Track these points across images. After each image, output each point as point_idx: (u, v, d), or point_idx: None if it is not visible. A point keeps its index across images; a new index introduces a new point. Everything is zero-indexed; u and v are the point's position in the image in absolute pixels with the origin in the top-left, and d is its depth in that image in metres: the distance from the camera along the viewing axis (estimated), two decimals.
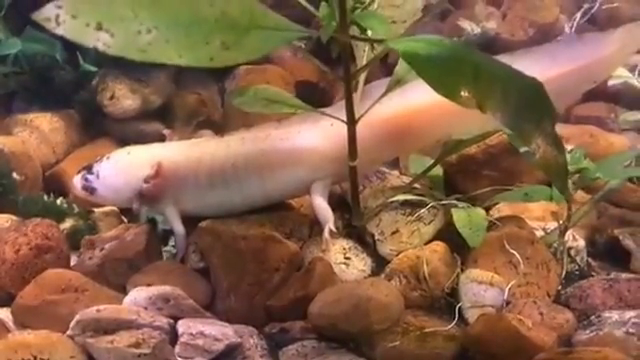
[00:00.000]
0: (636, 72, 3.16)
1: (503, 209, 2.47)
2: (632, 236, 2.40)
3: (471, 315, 2.14)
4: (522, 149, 2.27)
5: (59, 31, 1.59)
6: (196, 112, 2.91)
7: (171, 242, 2.42)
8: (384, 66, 2.85)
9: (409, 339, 2.06)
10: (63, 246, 2.28)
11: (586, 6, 3.46)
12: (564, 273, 2.30)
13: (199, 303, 2.15)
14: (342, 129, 2.18)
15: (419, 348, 2.05)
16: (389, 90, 2.23)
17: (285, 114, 2.36)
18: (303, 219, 2.37)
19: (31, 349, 1.95)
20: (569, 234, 2.35)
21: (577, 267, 2.35)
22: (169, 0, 1.72)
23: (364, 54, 2.36)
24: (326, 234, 2.27)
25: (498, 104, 1.80)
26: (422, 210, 2.32)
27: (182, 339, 2.01)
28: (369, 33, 2.09)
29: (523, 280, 2.22)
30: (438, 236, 2.29)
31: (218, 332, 2.03)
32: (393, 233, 2.31)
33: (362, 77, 2.36)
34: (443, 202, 2.34)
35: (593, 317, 2.12)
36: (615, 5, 3.44)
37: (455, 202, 2.33)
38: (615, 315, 2.09)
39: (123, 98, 2.82)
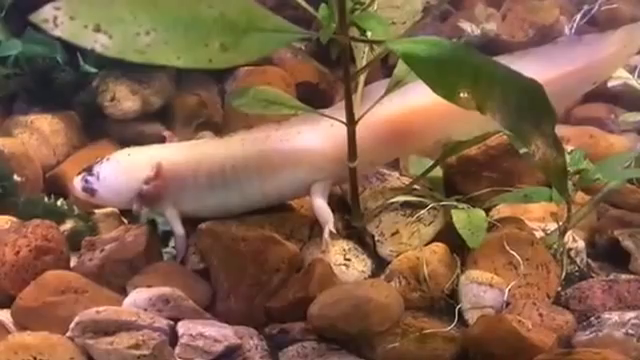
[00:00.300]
0: (636, 73, 3.16)
1: (503, 210, 2.47)
2: (632, 237, 2.40)
3: (471, 316, 2.15)
4: (522, 150, 2.27)
5: (57, 32, 1.59)
6: (196, 113, 2.92)
7: (171, 243, 2.41)
8: (384, 67, 2.85)
9: (409, 340, 2.06)
10: (63, 247, 2.28)
11: (586, 7, 3.46)
12: (564, 274, 2.30)
13: (199, 304, 2.15)
14: (342, 130, 2.18)
15: (419, 349, 2.05)
16: (389, 91, 2.23)
17: (285, 115, 2.36)
18: (303, 220, 2.37)
19: (31, 350, 1.95)
20: (569, 235, 2.35)
21: (577, 268, 2.35)
22: (168, 2, 1.72)
23: (364, 55, 2.37)
24: (326, 235, 2.27)
25: (498, 105, 1.80)
26: (422, 211, 2.32)
27: (182, 340, 2.01)
28: (369, 34, 2.10)
29: (523, 281, 2.22)
30: (438, 237, 2.29)
31: (218, 333, 2.03)
32: (393, 234, 2.31)
33: (362, 78, 2.36)
34: (443, 203, 2.35)
35: (593, 318, 2.12)
36: (615, 6, 3.44)
37: (455, 203, 2.34)
38: (615, 316, 2.08)
39: (123, 99, 2.82)
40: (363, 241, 2.34)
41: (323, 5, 2.06)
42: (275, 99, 2.30)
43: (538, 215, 2.48)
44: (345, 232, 2.36)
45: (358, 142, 2.19)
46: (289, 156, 2.32)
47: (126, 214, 2.52)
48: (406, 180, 2.48)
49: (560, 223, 2.32)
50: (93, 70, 2.81)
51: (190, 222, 2.32)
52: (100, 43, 1.61)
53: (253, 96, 2.30)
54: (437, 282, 2.17)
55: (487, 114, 1.80)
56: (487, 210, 2.36)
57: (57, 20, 1.59)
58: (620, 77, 3.12)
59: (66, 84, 2.84)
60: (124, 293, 2.18)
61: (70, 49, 2.77)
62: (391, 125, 2.34)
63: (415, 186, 2.41)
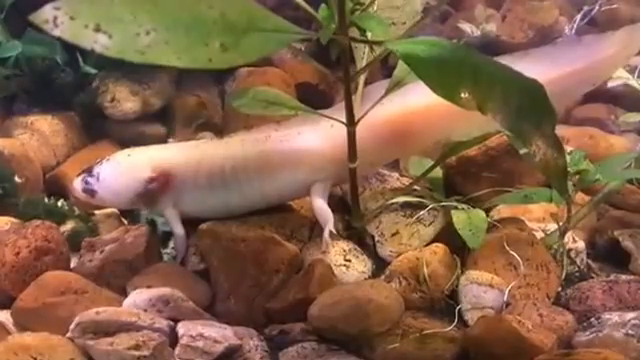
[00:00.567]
0: (636, 74, 3.17)
1: (503, 211, 2.47)
2: (632, 238, 2.41)
3: (471, 317, 2.15)
4: (522, 151, 2.27)
5: (57, 33, 1.59)
6: (196, 114, 2.92)
7: (171, 244, 2.41)
8: (384, 68, 2.85)
9: (409, 341, 2.06)
10: (63, 248, 2.28)
11: (586, 8, 3.46)
12: (564, 275, 2.31)
13: (199, 305, 2.15)
14: (342, 131, 2.18)
15: (419, 350, 2.05)
16: (388, 92, 2.22)
17: (285, 116, 2.36)
18: (303, 221, 2.37)
19: (31, 351, 1.95)
20: (569, 236, 2.35)
21: (577, 269, 2.35)
22: (168, 2, 1.71)
23: (364, 56, 2.37)
24: (326, 236, 2.27)
25: (498, 106, 1.80)
26: (422, 212, 2.33)
27: (182, 341, 2.01)
28: (368, 35, 2.10)
29: (523, 282, 2.22)
30: (438, 238, 2.29)
31: (218, 334, 2.03)
32: (393, 235, 2.31)
33: (362, 79, 2.36)
34: (443, 204, 2.35)
35: (593, 319, 2.12)
36: (615, 7, 3.44)
37: (455, 204, 2.34)
38: (615, 317, 2.08)
39: (123, 100, 2.82)
40: (363, 242, 2.34)
41: (323, 5, 2.06)
42: (275, 100, 2.30)
43: (538, 215, 2.49)
44: (345, 233, 2.36)
45: (358, 143, 2.19)
46: (289, 157, 2.31)
47: (126, 215, 2.52)
48: (406, 181, 2.48)
49: (560, 223, 2.32)
50: (93, 71, 2.82)
51: (190, 223, 2.32)
52: (100, 43, 1.60)
53: (253, 97, 2.30)
54: (437, 283, 2.17)
55: (487, 114, 1.80)
56: (487, 211, 2.36)
57: (57, 20, 1.59)
58: (620, 77, 3.12)
59: (66, 85, 2.84)
60: (124, 294, 2.18)
61: (70, 50, 2.77)
62: (391, 126, 2.34)
63: (415, 187, 2.41)
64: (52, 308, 2.11)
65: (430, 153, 2.50)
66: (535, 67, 2.22)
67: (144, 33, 1.64)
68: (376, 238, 2.32)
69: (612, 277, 2.28)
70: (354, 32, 2.07)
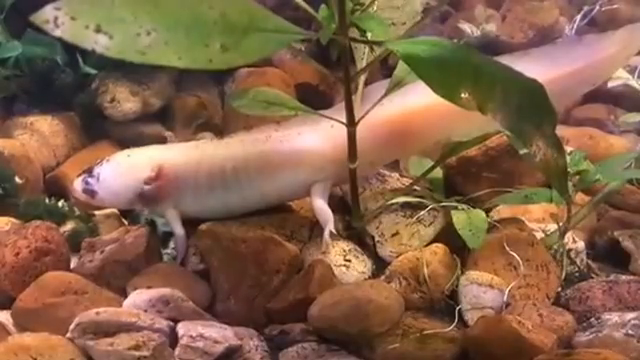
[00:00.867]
0: (636, 74, 3.17)
1: (503, 211, 2.48)
2: (632, 238, 2.41)
3: (471, 317, 2.15)
4: (522, 151, 2.27)
5: (58, 33, 1.59)
6: (196, 115, 2.92)
7: (171, 244, 2.41)
8: (384, 68, 2.85)
9: (409, 341, 2.06)
10: (63, 249, 2.28)
11: (586, 8, 3.47)
12: (564, 275, 2.31)
13: (199, 305, 2.15)
14: (342, 131, 2.18)
15: (419, 350, 2.05)
16: (389, 92, 2.22)
17: (285, 116, 2.36)
18: (303, 221, 2.37)
19: (31, 352, 1.95)
20: (569, 236, 2.36)
21: (577, 269, 2.35)
22: (169, 2, 1.71)
23: (364, 56, 2.37)
24: (326, 236, 2.27)
25: (498, 106, 1.80)
26: (422, 212, 2.32)
27: (182, 341, 2.01)
28: (369, 35, 2.10)
29: (523, 282, 2.22)
30: (438, 238, 2.29)
31: (218, 334, 2.03)
32: (393, 235, 2.31)
33: (362, 79, 2.36)
34: (443, 204, 2.35)
35: (593, 319, 2.12)
36: (615, 7, 3.44)
37: (455, 204, 2.33)
38: (615, 317, 2.08)
39: (123, 101, 2.81)
40: (363, 242, 2.34)
41: (323, 6, 2.06)
42: (275, 100, 2.30)
43: (538, 216, 2.49)
44: (345, 233, 2.36)
45: (358, 143, 2.19)
46: (289, 157, 2.31)
47: (126, 215, 2.52)
48: (406, 181, 2.48)
49: (560, 224, 2.32)
50: (93, 71, 2.82)
51: (190, 223, 2.32)
52: (101, 44, 1.60)
53: (253, 97, 2.30)
54: (437, 283, 2.17)
55: (488, 114, 1.80)
56: (487, 211, 2.36)
57: (58, 21, 1.59)
58: (620, 78, 3.12)
59: (66, 85, 2.84)
60: (124, 294, 2.18)
61: (70, 50, 2.78)
62: (391, 126, 2.34)
63: (415, 187, 2.41)
64: (52, 308, 2.10)
65: (430, 153, 2.50)
66: (535, 67, 2.22)
67: (145, 33, 1.64)
68: (376, 238, 2.32)
69: (612, 277, 2.28)
70: (354, 32, 2.07)
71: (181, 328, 2.04)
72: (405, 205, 2.36)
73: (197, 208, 2.32)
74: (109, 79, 2.82)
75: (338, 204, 2.39)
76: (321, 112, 2.30)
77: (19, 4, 2.71)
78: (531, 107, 1.81)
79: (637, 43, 2.47)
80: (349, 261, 2.28)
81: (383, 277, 2.22)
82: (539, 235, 2.36)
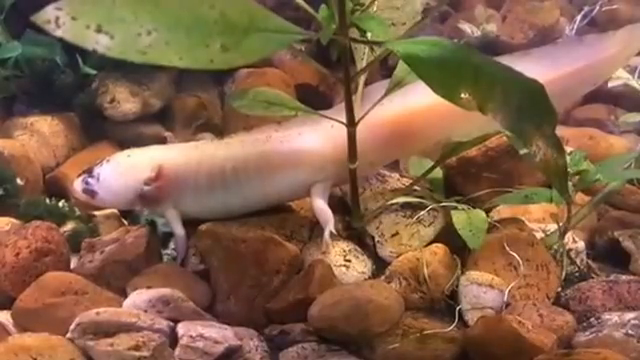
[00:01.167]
0: (636, 74, 3.16)
1: (503, 211, 2.47)
2: (632, 238, 2.41)
3: (471, 317, 2.15)
4: (522, 151, 2.27)
5: (59, 33, 1.59)
6: (196, 115, 2.92)
7: (171, 245, 2.41)
8: (384, 68, 2.85)
9: (409, 341, 2.06)
10: (63, 249, 2.28)
11: (586, 8, 3.47)
12: (564, 275, 2.31)
13: (199, 305, 2.15)
14: (342, 131, 2.18)
15: (419, 350, 2.05)
16: (389, 92, 2.22)
17: (285, 117, 2.36)
18: (303, 221, 2.37)
19: (31, 352, 1.95)
20: (569, 236, 2.36)
21: (577, 269, 2.35)
22: (169, 2, 1.72)
23: (364, 56, 2.37)
24: (326, 236, 2.27)
25: (498, 106, 1.80)
26: (422, 212, 2.32)
27: (182, 341, 2.01)
28: (369, 35, 2.10)
29: (523, 282, 2.22)
30: (438, 238, 2.29)
31: (218, 334, 2.03)
32: (393, 235, 2.31)
33: (362, 79, 2.36)
34: (443, 204, 2.35)
35: (593, 319, 2.12)
36: (615, 7, 3.45)
37: (455, 204, 2.33)
38: (615, 317, 2.09)
39: (123, 101, 2.82)
40: (363, 242, 2.34)
41: (323, 6, 2.06)
42: (275, 100, 2.30)
43: (538, 216, 2.49)
44: (345, 233, 2.36)
45: (358, 143, 2.19)
46: (289, 157, 2.31)
47: (126, 216, 2.52)
48: (406, 181, 2.48)
49: (560, 224, 2.32)
50: (93, 72, 2.82)
51: (190, 223, 2.32)
52: (102, 44, 1.60)
53: (253, 97, 2.30)
54: (437, 283, 2.17)
55: (488, 114, 1.80)
56: (487, 211, 2.36)
57: (59, 21, 1.59)
58: (620, 78, 3.12)
59: (66, 86, 2.84)
60: (124, 294, 2.18)
61: (70, 51, 2.77)
62: (391, 126, 2.34)
63: (415, 187, 2.41)
64: (52, 309, 2.11)
65: (430, 154, 2.50)
66: (535, 67, 2.22)
67: (145, 33, 1.64)
68: (376, 238, 2.32)
69: (612, 277, 2.29)
70: (354, 33, 2.07)
71: (181, 328, 2.04)
72: (405, 205, 2.36)
73: (197, 208, 2.32)
74: (109, 79, 2.83)
75: (338, 204, 2.39)
76: (321, 112, 2.30)
77: (19, 4, 2.71)
78: (531, 107, 1.80)
79: (637, 43, 2.47)
80: (349, 261, 2.28)
81: (383, 277, 2.23)
82: (539, 235, 2.36)
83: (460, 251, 2.25)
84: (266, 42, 1.82)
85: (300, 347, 2.09)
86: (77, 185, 2.35)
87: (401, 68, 2.21)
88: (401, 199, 2.36)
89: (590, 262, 2.39)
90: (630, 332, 2.04)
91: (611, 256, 2.43)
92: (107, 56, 1.62)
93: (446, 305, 2.18)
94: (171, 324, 2.05)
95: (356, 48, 2.36)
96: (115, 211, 2.53)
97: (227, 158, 2.30)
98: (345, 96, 2.12)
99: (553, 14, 3.44)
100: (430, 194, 2.40)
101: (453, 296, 2.19)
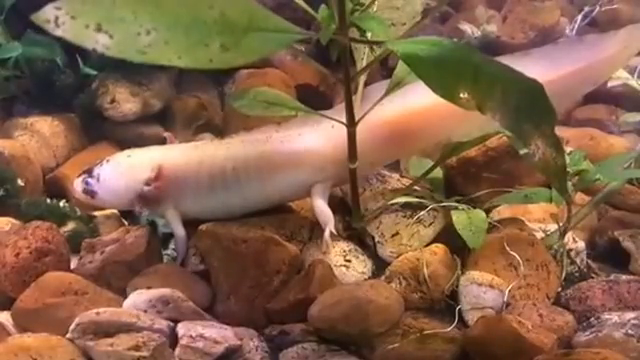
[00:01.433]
0: (636, 74, 3.16)
1: (503, 211, 2.48)
2: (632, 238, 2.41)
3: (471, 317, 2.15)
4: (522, 151, 2.27)
5: (58, 32, 1.59)
6: (196, 115, 2.92)
7: (171, 245, 2.41)
8: (384, 68, 2.85)
9: (409, 341, 2.06)
10: (63, 249, 2.28)
11: (587, 9, 3.46)
12: (564, 275, 2.31)
13: (199, 305, 2.15)
14: (342, 131, 2.18)
15: (419, 350, 2.05)
16: (389, 92, 2.23)
17: (285, 117, 2.36)
18: (303, 222, 2.37)
19: (31, 352, 1.95)
20: (569, 236, 2.36)
21: (577, 269, 2.35)
22: (169, 2, 1.72)
23: (364, 57, 2.37)
24: (326, 236, 2.27)
25: (497, 105, 1.80)
26: (422, 212, 2.33)
27: (182, 342, 2.01)
28: (368, 35, 2.10)
29: (523, 282, 2.22)
30: (438, 238, 2.29)
31: (218, 334, 2.03)
32: (393, 235, 2.31)
33: (362, 79, 2.36)
34: (443, 204, 2.35)
35: (593, 319, 2.12)
36: (615, 7, 3.44)
37: (455, 204, 2.33)
38: (615, 316, 2.08)
39: (123, 102, 2.81)
40: (363, 242, 2.34)
41: (323, 6, 2.06)
42: (275, 100, 2.30)
43: (538, 216, 2.49)
44: (345, 233, 2.36)
45: (358, 143, 2.19)
46: (290, 157, 2.31)
47: (127, 216, 2.52)
48: (406, 181, 2.48)
49: (560, 224, 2.32)
50: (93, 72, 2.82)
51: (190, 224, 2.32)
52: (101, 43, 1.60)
53: (253, 97, 2.30)
54: (437, 283, 2.17)
55: (487, 114, 1.79)
56: (487, 211, 2.36)
57: (58, 20, 1.59)
58: (620, 78, 3.12)
59: (66, 86, 2.84)
60: (124, 295, 2.18)
61: (70, 51, 2.77)
62: (391, 126, 2.34)
63: (415, 187, 2.41)
64: (52, 309, 2.11)
65: (430, 154, 2.50)
66: (536, 67, 2.22)
67: (145, 33, 1.64)
68: (376, 239, 2.33)
69: (612, 277, 2.28)
70: (354, 33, 2.06)
71: (181, 328, 2.04)
72: (405, 205, 2.36)
73: (197, 209, 2.32)
74: (109, 80, 2.82)
75: (338, 204, 2.40)
76: (321, 112, 2.30)
77: (19, 5, 2.70)
78: (530, 107, 1.80)
79: (637, 43, 2.46)
80: (349, 261, 2.28)
81: (383, 277, 2.23)
82: (539, 235, 2.36)
83: (460, 251, 2.25)
84: (265, 42, 1.82)
85: (300, 347, 2.09)
86: (77, 185, 2.36)
87: (401, 68, 2.21)
88: (401, 199, 2.36)
89: (590, 262, 2.39)
90: (630, 332, 2.03)
91: (611, 256, 2.43)
92: (107, 56, 1.62)
93: (446, 305, 2.18)
94: (171, 324, 2.06)
95: (356, 48, 2.36)
96: (115, 211, 2.53)
97: (227, 158, 2.30)
98: (345, 96, 2.12)
99: (554, 14, 3.43)
100: (430, 194, 2.40)
101: (453, 296, 2.19)
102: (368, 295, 2.07)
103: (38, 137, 2.78)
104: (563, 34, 3.42)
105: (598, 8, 3.44)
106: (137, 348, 1.97)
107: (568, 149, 2.40)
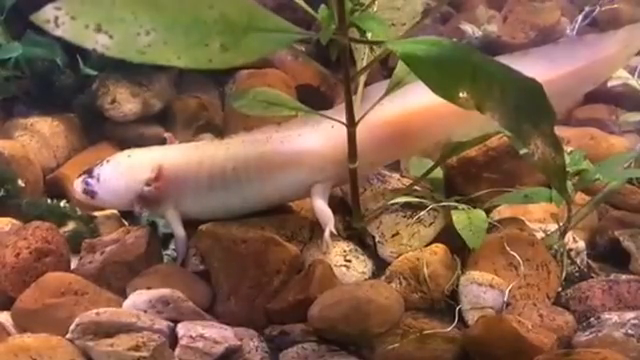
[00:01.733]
0: (636, 74, 3.16)
1: (503, 211, 2.48)
2: (632, 238, 2.41)
3: (471, 317, 2.14)
4: (522, 151, 2.27)
5: (58, 33, 1.59)
6: (196, 116, 2.92)
7: (172, 245, 2.41)
8: (384, 69, 2.85)
9: (409, 341, 2.06)
10: (63, 249, 2.28)
11: (587, 8, 3.46)
12: (564, 275, 2.31)
13: (199, 306, 2.15)
14: (342, 131, 2.18)
15: (419, 350, 2.05)
16: (389, 92, 2.22)
17: (285, 117, 2.36)
18: (303, 222, 2.37)
19: (31, 352, 1.95)
20: (569, 236, 2.36)
21: (577, 269, 2.35)
22: (168, 2, 1.72)
23: (364, 57, 2.37)
24: (327, 236, 2.27)
25: (497, 105, 1.79)
26: (422, 212, 2.33)
27: (182, 342, 2.01)
28: (368, 35, 2.10)
29: (523, 282, 2.22)
30: (438, 238, 2.29)
31: (218, 335, 2.03)
32: (393, 235, 2.31)
33: (362, 79, 2.36)
34: (443, 204, 2.35)
35: (593, 318, 2.11)
36: (615, 7, 3.44)
37: (455, 204, 2.33)
38: (614, 316, 2.08)
39: (124, 102, 2.81)
40: (364, 242, 2.34)
41: (323, 6, 2.06)
42: (275, 100, 2.30)
43: (538, 216, 2.49)
44: (346, 233, 2.36)
45: (358, 143, 2.19)
46: (290, 158, 2.31)
47: (127, 216, 2.52)
48: (407, 181, 2.48)
49: (560, 224, 2.32)
50: (93, 73, 2.82)
51: (191, 224, 2.32)
52: (101, 43, 1.61)
53: (254, 97, 2.30)
54: (437, 283, 2.17)
55: (486, 114, 1.79)
56: (487, 211, 2.36)
57: (58, 20, 1.59)
58: (620, 77, 3.12)
59: (66, 87, 2.84)
60: (124, 295, 2.18)
61: (70, 51, 2.77)
62: (391, 126, 2.34)
63: (416, 187, 2.41)
64: (52, 309, 2.11)
65: (430, 154, 2.50)
66: (535, 67, 2.22)
67: (144, 33, 1.65)
68: (377, 239, 2.33)
69: (612, 277, 2.28)
70: (354, 33, 2.06)
71: (181, 329, 2.04)
72: (405, 205, 2.36)
73: (197, 209, 2.32)
74: (109, 80, 2.82)
75: (338, 204, 2.39)
76: (321, 113, 2.30)
77: (19, 5, 2.71)
78: (529, 106, 1.80)
79: (637, 43, 2.46)
80: (349, 261, 2.28)
81: (383, 277, 2.22)
82: (539, 235, 2.36)
83: (460, 251, 2.25)
84: (265, 42, 1.82)
85: (300, 347, 2.08)
86: (77, 185, 2.36)
87: (401, 68, 2.21)
88: (401, 199, 2.36)
89: (590, 262, 2.39)
90: (630, 332, 2.03)
91: (611, 256, 2.43)
92: (107, 57, 1.63)
93: (446, 305, 2.18)
94: (171, 324, 2.06)
95: (356, 48, 2.36)
96: (115, 212, 2.53)
97: (227, 158, 2.30)
98: (345, 96, 2.12)
99: (554, 14, 3.43)
100: (430, 194, 2.40)
101: (453, 296, 2.19)
102: (368, 295, 2.07)
103: (38, 137, 2.79)
104: (564, 34, 3.42)
105: (598, 8, 3.44)
106: (137, 348, 1.97)
107: (568, 149, 2.40)
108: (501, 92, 1.78)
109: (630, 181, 2.57)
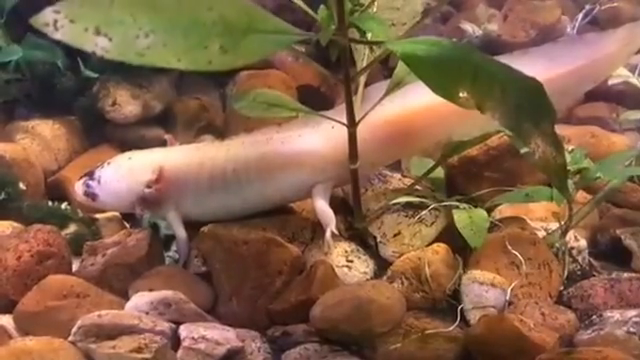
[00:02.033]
0: (636, 72, 3.16)
1: (505, 210, 2.47)
2: (634, 236, 2.40)
3: (473, 316, 2.14)
4: (522, 150, 2.26)
5: (57, 36, 1.60)
6: (197, 117, 2.92)
7: (173, 247, 2.41)
8: (385, 69, 2.85)
9: (411, 341, 2.06)
10: (65, 252, 2.28)
11: (588, 7, 3.47)
12: (566, 273, 2.30)
13: (201, 307, 2.15)
14: (343, 132, 2.19)
15: (421, 350, 2.05)
16: (389, 92, 2.22)
17: (286, 118, 2.36)
18: (305, 222, 2.37)
19: (33, 355, 1.95)
20: (571, 234, 2.35)
21: (579, 267, 2.34)
22: (168, 4, 1.72)
23: (364, 57, 2.37)
24: (328, 237, 2.27)
25: (497, 104, 1.79)
26: (424, 212, 2.32)
27: (184, 343, 2.01)
28: (368, 36, 2.10)
29: (525, 281, 2.22)
30: (440, 238, 2.29)
31: (220, 336, 2.03)
32: (395, 235, 2.31)
33: (362, 80, 2.36)
34: (445, 204, 2.34)
35: (595, 317, 2.11)
36: (616, 5, 3.44)
37: (457, 203, 2.33)
38: (616, 315, 2.08)
39: (124, 104, 2.81)
40: (365, 242, 2.34)
41: (322, 6, 2.06)
42: (276, 101, 2.30)
43: (540, 215, 2.48)
44: (347, 234, 2.36)
45: (359, 144, 2.19)
46: (290, 158, 2.31)
47: (128, 218, 2.52)
48: (408, 181, 2.48)
49: (562, 222, 2.32)
50: (94, 75, 2.82)
51: (192, 225, 2.32)
52: (100, 46, 1.61)
53: (254, 98, 2.30)
54: (439, 283, 2.16)
55: (486, 113, 1.79)
56: (489, 210, 2.36)
57: (57, 23, 1.60)
58: (620, 76, 3.11)
59: (67, 89, 2.84)
60: (126, 297, 2.19)
61: (71, 54, 2.78)
62: (392, 126, 2.34)
63: (417, 187, 2.41)
64: (54, 312, 2.11)
65: (431, 153, 2.50)
66: (536, 65, 2.23)
67: (143, 35, 1.65)
68: (378, 239, 2.32)
69: (614, 275, 2.28)
70: (354, 33, 2.06)
71: (183, 330, 2.04)
72: (407, 205, 2.36)
73: (198, 210, 2.32)
74: (110, 83, 2.82)
75: (340, 205, 2.39)
76: (321, 113, 2.30)
77: (19, 8, 2.71)
78: (530, 105, 1.80)
79: (638, 41, 2.46)
80: (351, 262, 2.28)
81: (385, 277, 2.22)
82: (541, 234, 2.35)
83: (462, 250, 2.25)
84: (265, 43, 1.82)
85: (302, 348, 2.08)
86: (78, 188, 2.36)
87: (401, 68, 2.21)
88: (403, 199, 2.36)
89: (592, 260, 2.38)
90: (632, 330, 2.03)
91: (613, 254, 2.43)
92: (107, 59, 1.63)
93: (448, 304, 2.18)
94: (173, 326, 2.06)
95: (356, 49, 2.36)
96: (117, 214, 2.53)
97: (228, 160, 2.30)
98: (345, 97, 2.12)
99: (554, 13, 3.43)
100: (432, 194, 2.40)
101: (455, 295, 2.18)
102: (370, 295, 2.07)
103: (39, 140, 2.79)
104: (564, 32, 3.42)
105: (599, 6, 3.44)
106: (139, 350, 1.97)
107: (569, 147, 2.39)
108: (502, 91, 1.78)
109: (631, 179, 2.57)
